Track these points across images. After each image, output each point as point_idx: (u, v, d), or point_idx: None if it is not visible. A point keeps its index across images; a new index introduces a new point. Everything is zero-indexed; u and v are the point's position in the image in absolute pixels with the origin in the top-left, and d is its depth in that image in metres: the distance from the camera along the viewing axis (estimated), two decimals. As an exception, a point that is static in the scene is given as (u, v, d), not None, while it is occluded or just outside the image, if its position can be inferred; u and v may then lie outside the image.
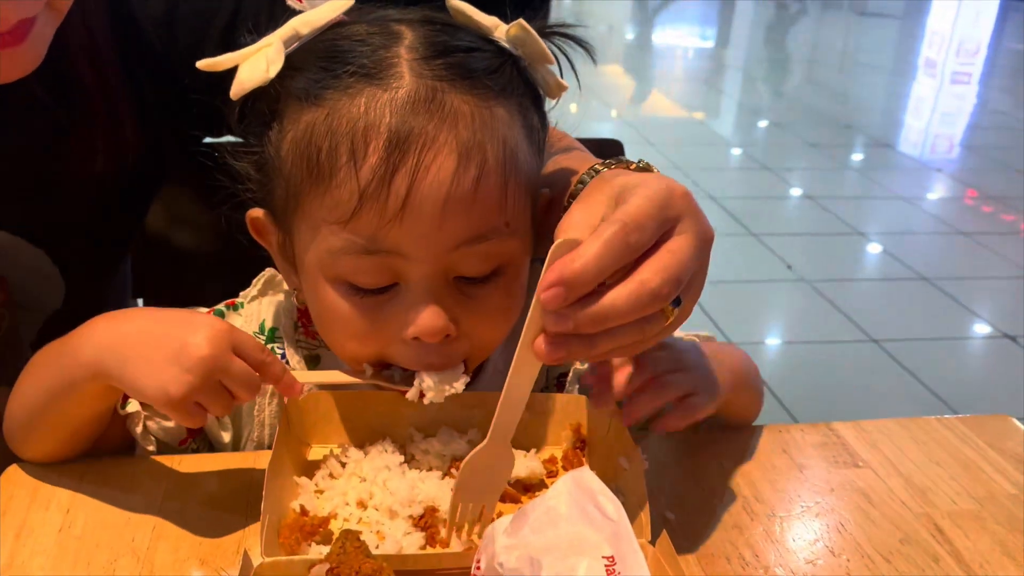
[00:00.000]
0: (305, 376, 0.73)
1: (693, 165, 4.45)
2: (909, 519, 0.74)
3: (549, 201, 0.76)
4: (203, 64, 0.70)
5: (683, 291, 0.58)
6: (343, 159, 0.64)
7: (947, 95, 6.74)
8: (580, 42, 0.75)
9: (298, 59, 0.69)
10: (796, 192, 4.25)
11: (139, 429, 0.77)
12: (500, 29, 0.71)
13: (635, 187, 0.58)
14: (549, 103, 0.78)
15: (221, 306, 0.84)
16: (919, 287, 3.24)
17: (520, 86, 0.71)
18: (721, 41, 8.76)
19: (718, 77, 7.21)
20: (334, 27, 0.71)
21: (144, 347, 0.65)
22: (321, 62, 0.68)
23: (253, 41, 0.70)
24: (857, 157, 4.96)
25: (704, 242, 0.59)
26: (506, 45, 0.71)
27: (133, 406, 0.76)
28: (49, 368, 0.72)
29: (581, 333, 0.56)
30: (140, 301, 1.19)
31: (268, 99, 0.70)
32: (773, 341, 2.89)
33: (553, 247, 0.56)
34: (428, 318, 0.67)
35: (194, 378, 0.63)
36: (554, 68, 0.74)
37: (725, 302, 2.93)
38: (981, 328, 3.00)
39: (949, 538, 0.72)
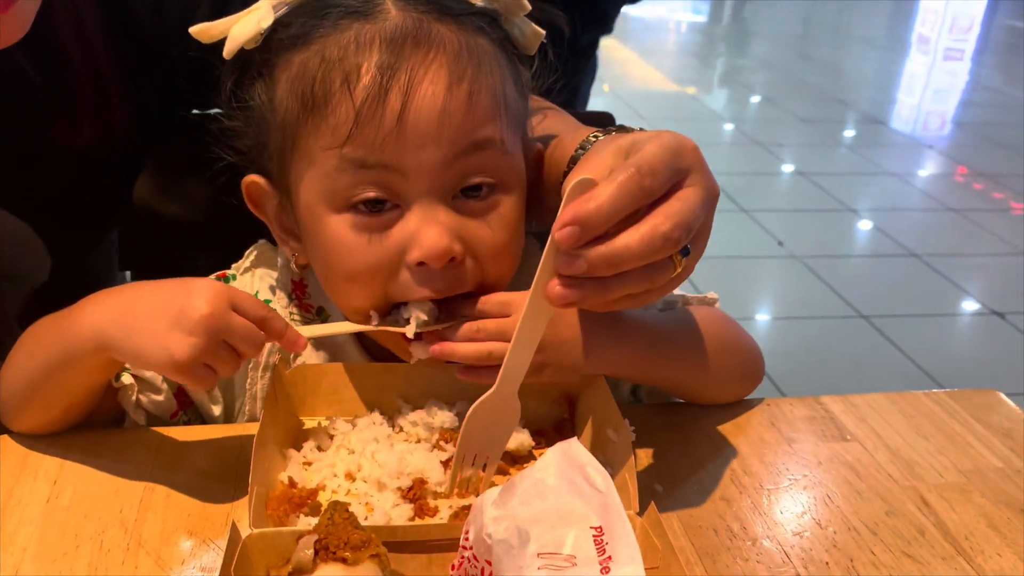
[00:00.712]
0: (311, 330, 0.72)
1: (685, 140, 4.43)
2: (896, 492, 0.74)
3: (541, 156, 0.77)
4: (195, 29, 0.71)
5: (691, 243, 0.59)
6: (336, 83, 0.66)
7: (940, 71, 6.73)
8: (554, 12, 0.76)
9: (287, 17, 0.71)
10: (787, 168, 4.25)
11: (131, 403, 0.77)
12: None
13: (647, 139, 0.59)
14: None
15: (211, 278, 0.84)
16: (909, 264, 3.25)
17: (500, 33, 0.73)
18: (714, 16, 8.72)
19: (710, 52, 7.18)
20: None
21: (145, 318, 0.65)
22: (310, 13, 0.70)
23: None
24: (849, 133, 4.95)
25: (712, 196, 0.60)
26: (482, 3, 0.72)
27: (127, 379, 0.75)
28: (47, 342, 0.71)
29: (594, 276, 0.57)
30: (128, 275, 1.18)
31: (260, 53, 0.71)
32: (763, 317, 2.90)
33: (571, 186, 0.56)
34: (432, 237, 0.67)
35: (198, 339, 0.63)
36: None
37: (715, 278, 2.92)
38: (970, 305, 3.02)
39: (935, 511, 0.72)
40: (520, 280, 0.75)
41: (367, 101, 0.65)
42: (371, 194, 0.67)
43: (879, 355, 2.65)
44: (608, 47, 6.61)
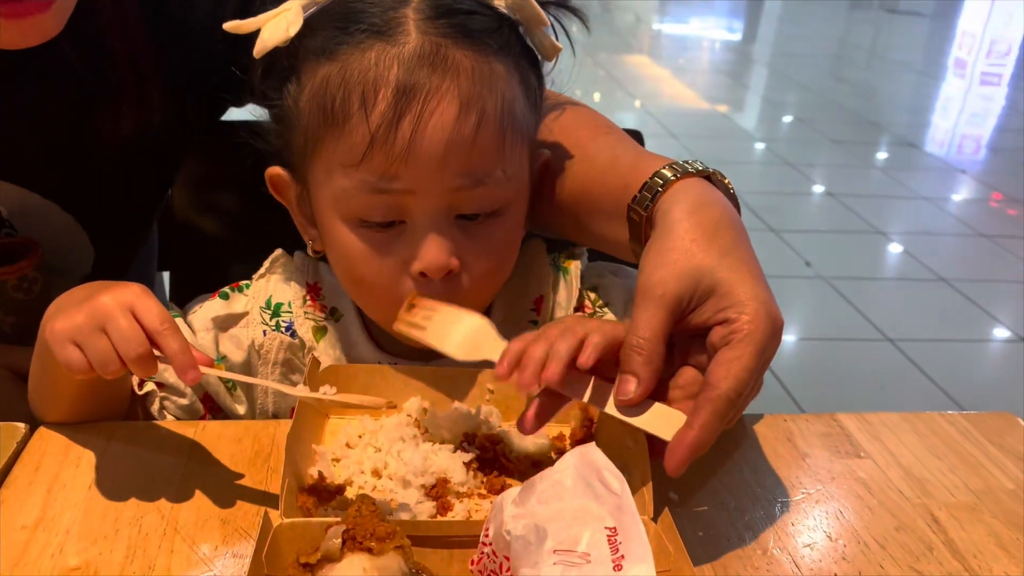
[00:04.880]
0: (212, 371, 0.69)
1: (715, 158, 4.41)
2: (906, 509, 0.76)
3: (546, 163, 0.82)
4: (229, 26, 0.75)
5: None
6: (355, 106, 0.71)
7: (976, 96, 6.67)
8: (575, 11, 0.80)
9: (315, 21, 0.75)
10: (818, 189, 4.24)
11: (155, 408, 0.81)
12: None
13: (741, 310, 0.71)
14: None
15: (226, 289, 0.88)
16: (938, 288, 3.24)
17: (517, 47, 0.77)
18: (748, 35, 8.71)
19: (744, 70, 7.18)
20: None
21: (70, 304, 0.68)
22: (336, 22, 0.73)
23: (273, 7, 0.75)
24: (881, 155, 4.93)
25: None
26: (504, 11, 0.76)
27: (148, 386, 0.80)
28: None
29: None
30: (167, 275, 1.22)
31: (288, 56, 0.76)
32: (788, 337, 2.90)
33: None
34: (432, 251, 0.73)
35: (79, 316, 0.65)
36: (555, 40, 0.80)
37: (742, 296, 2.92)
38: (999, 332, 2.99)
39: (944, 528, 0.74)
40: (509, 285, 0.83)
41: (381, 127, 0.70)
42: (380, 218, 0.74)
43: (905, 379, 2.64)
44: (640, 64, 6.64)
